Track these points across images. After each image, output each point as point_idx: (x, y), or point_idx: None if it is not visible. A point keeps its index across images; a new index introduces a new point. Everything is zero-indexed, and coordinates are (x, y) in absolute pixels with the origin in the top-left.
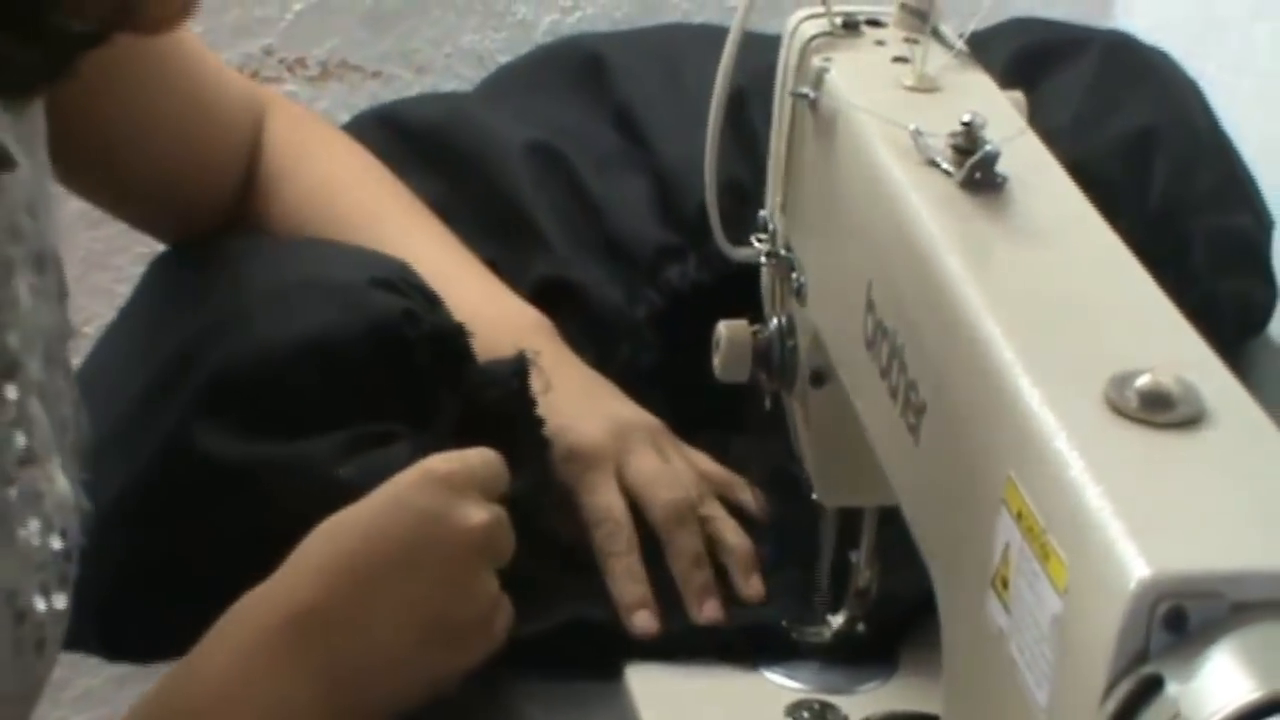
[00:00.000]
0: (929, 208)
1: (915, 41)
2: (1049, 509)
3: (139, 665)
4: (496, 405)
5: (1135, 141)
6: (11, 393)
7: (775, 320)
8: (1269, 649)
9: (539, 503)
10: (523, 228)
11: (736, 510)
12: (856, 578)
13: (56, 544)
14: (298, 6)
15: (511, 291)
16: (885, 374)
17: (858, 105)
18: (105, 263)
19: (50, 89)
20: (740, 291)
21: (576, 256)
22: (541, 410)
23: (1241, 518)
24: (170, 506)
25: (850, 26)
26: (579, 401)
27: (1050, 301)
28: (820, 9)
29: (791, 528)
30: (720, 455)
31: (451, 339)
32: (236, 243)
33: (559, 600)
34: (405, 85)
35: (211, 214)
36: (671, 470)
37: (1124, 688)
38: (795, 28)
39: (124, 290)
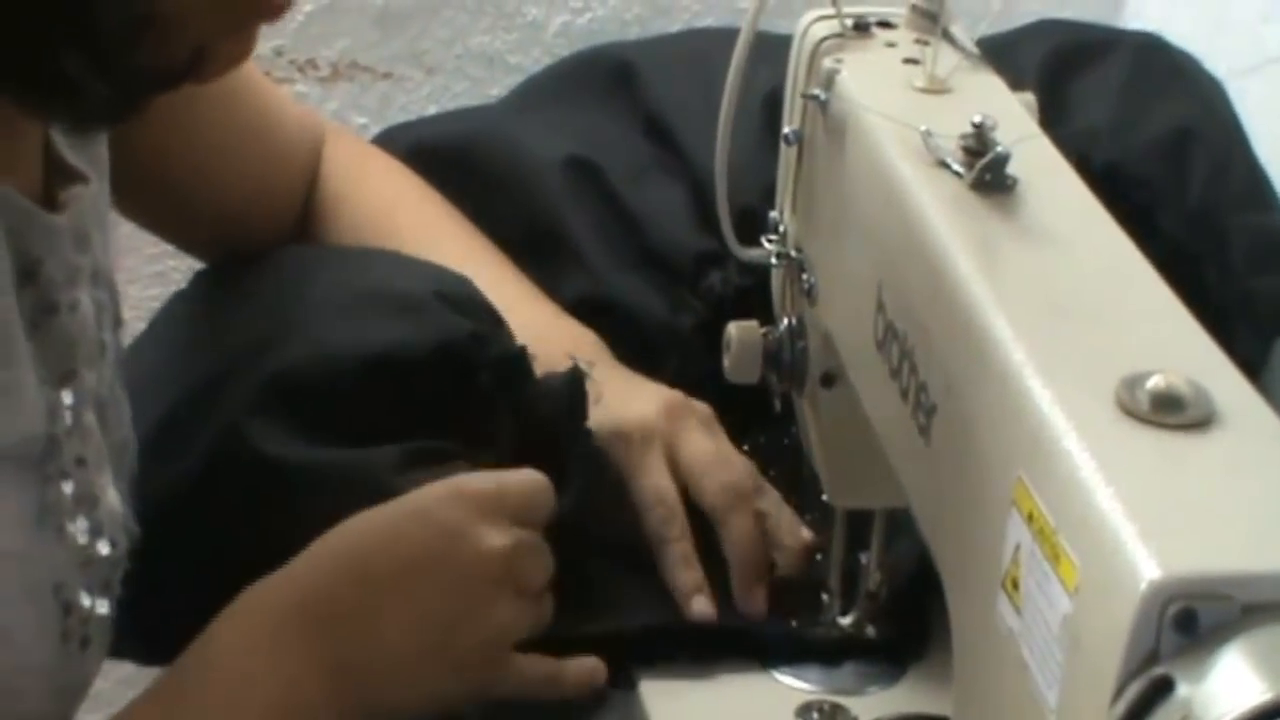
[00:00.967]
0: (939, 209)
1: (926, 43)
2: (1060, 510)
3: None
4: (550, 420)
5: (1173, 141)
6: (67, 398)
7: (785, 321)
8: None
9: (585, 520)
10: (556, 245)
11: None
12: (866, 579)
13: (105, 549)
14: (308, 7)
15: (564, 312)
16: (895, 375)
17: (868, 106)
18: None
19: (117, 124)
20: None
21: (615, 271)
22: (593, 417)
23: (1252, 519)
24: (217, 504)
25: (861, 28)
26: (628, 392)
27: (1061, 303)
28: (831, 10)
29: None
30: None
31: (514, 361)
32: (294, 251)
33: (608, 604)
34: (415, 86)
35: (273, 241)
36: (725, 453)
37: (1134, 689)
38: (806, 29)
39: (135, 291)
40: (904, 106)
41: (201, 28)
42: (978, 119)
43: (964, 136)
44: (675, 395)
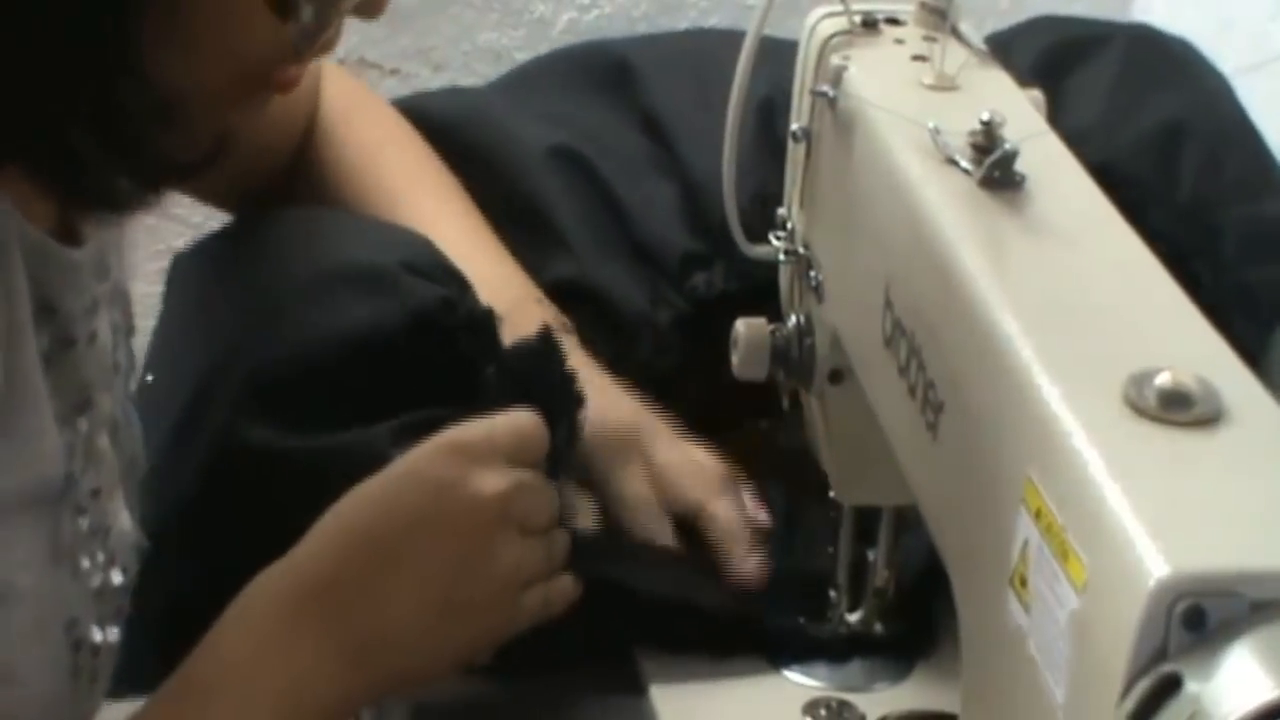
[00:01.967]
0: (948, 206)
1: (934, 40)
2: (1068, 508)
3: None
4: (529, 375)
5: (1162, 136)
6: (83, 427)
7: (793, 318)
8: None
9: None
10: (540, 228)
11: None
12: (874, 576)
13: (117, 578)
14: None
15: (532, 283)
16: (903, 372)
17: (876, 104)
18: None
19: (138, 211)
20: (764, 300)
21: (597, 259)
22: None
23: (1261, 516)
24: (220, 509)
25: (869, 25)
26: (594, 398)
27: (1069, 300)
28: (839, 7)
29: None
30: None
31: (484, 322)
32: (262, 225)
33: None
34: (423, 83)
35: (269, 179)
36: (693, 455)
37: (1142, 686)
38: (814, 26)
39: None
40: (912, 103)
41: (222, 115)
42: (986, 116)
43: (972, 133)
44: (636, 409)
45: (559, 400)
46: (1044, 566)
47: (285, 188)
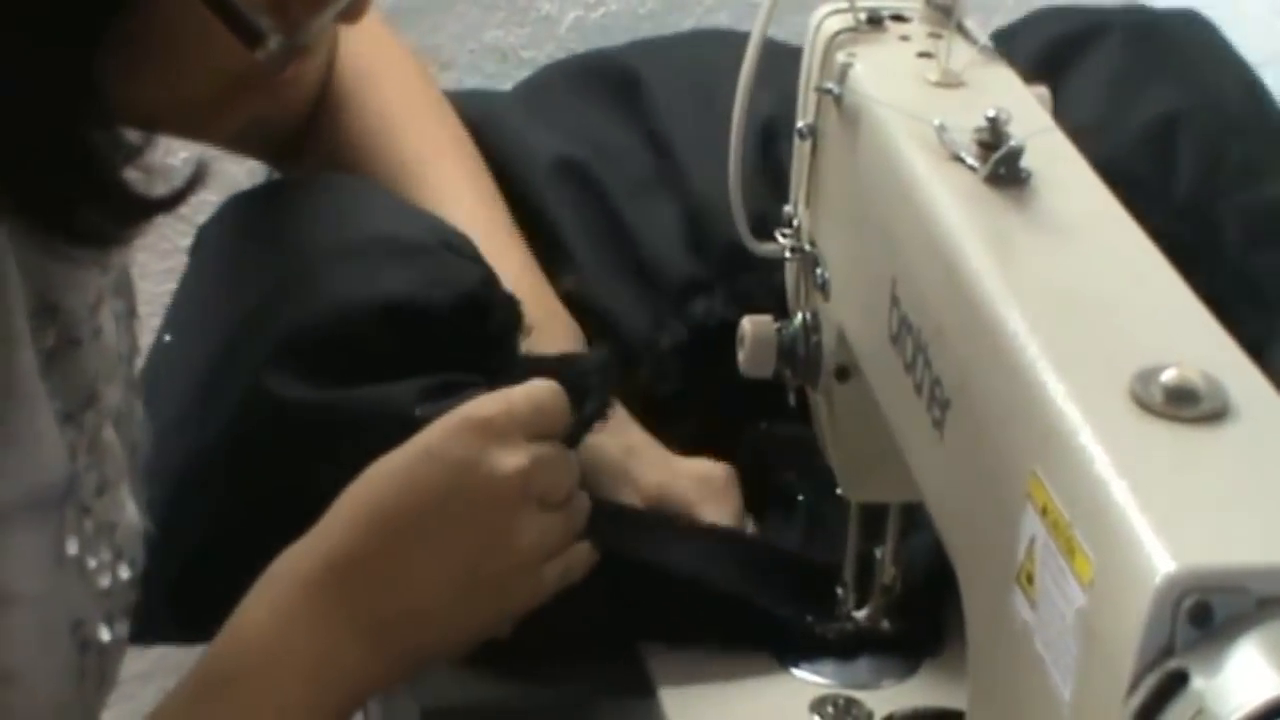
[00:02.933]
0: (953, 203)
1: (939, 36)
2: (1074, 504)
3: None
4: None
5: (1158, 130)
6: (88, 421)
7: (799, 315)
8: None
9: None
10: (546, 240)
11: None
12: (881, 573)
13: (125, 573)
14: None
15: (545, 279)
16: (910, 369)
17: (882, 100)
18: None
19: (119, 245)
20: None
21: (603, 278)
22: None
23: (1267, 512)
24: (248, 462)
25: (874, 22)
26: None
27: (1075, 296)
28: (844, 4)
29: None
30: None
31: (515, 309)
32: (295, 191)
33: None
34: None
35: (294, 131)
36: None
37: (1149, 683)
38: (820, 23)
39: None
40: (918, 100)
41: (218, 120)
42: (992, 112)
43: (978, 130)
44: (635, 434)
45: (594, 376)
46: (1050, 563)
47: (302, 145)
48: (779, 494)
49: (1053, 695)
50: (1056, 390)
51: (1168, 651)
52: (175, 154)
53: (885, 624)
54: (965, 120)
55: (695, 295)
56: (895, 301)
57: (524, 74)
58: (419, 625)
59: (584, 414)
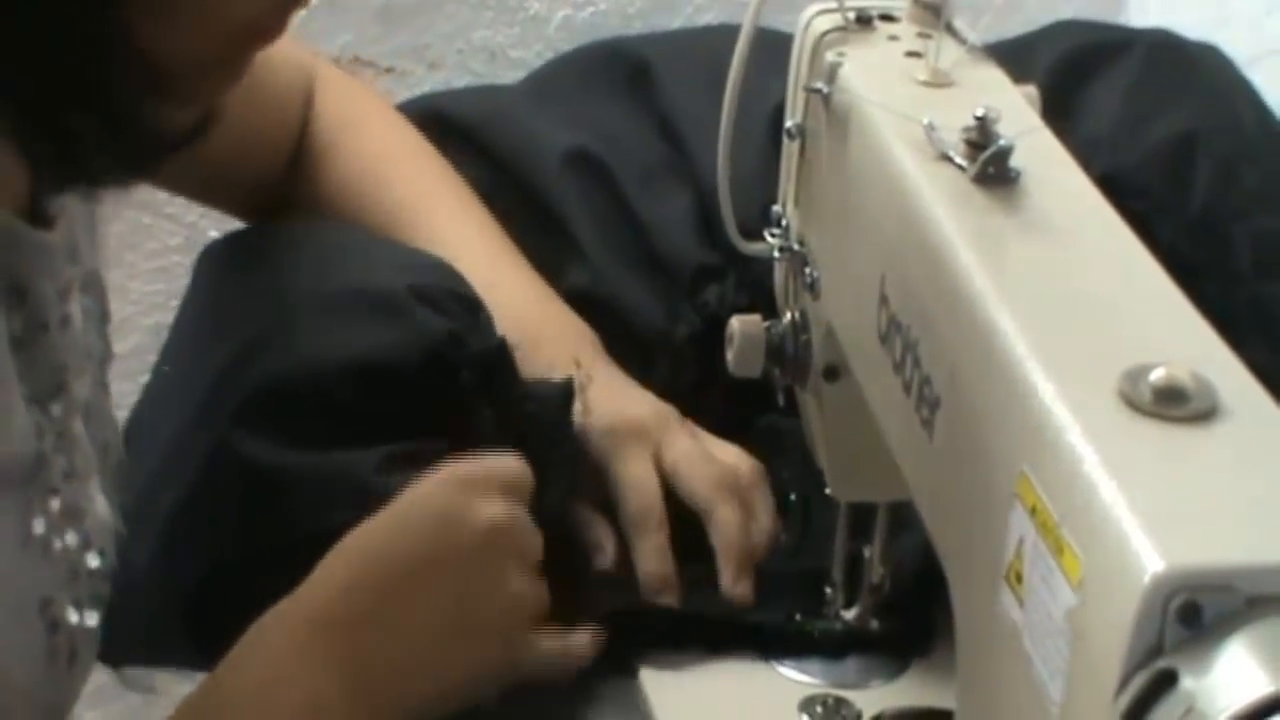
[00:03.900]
0: (942, 202)
1: (929, 36)
2: (1063, 503)
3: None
4: (533, 420)
5: (1175, 147)
6: (56, 410)
7: (788, 315)
8: None
9: (564, 517)
10: (559, 234)
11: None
12: (869, 573)
13: (94, 562)
14: (311, 2)
15: (552, 291)
16: (899, 368)
17: (871, 100)
18: (119, 259)
19: (126, 186)
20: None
21: (614, 271)
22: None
23: (1256, 511)
24: (212, 516)
25: (863, 21)
26: (620, 393)
27: (1064, 296)
28: (833, 4)
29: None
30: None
31: (494, 355)
32: (276, 240)
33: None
34: (418, 81)
35: (270, 185)
36: (710, 452)
37: (1138, 682)
38: (808, 22)
39: (136, 285)
40: (906, 100)
41: (208, 81)
42: (980, 112)
43: (967, 130)
44: (664, 405)
45: (557, 462)
46: (1039, 562)
47: (277, 200)
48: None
49: (1041, 694)
50: (1045, 390)
51: (1157, 651)
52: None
53: (874, 623)
54: (954, 119)
55: (708, 283)
56: (884, 301)
57: (513, 74)
58: (406, 676)
59: (546, 503)
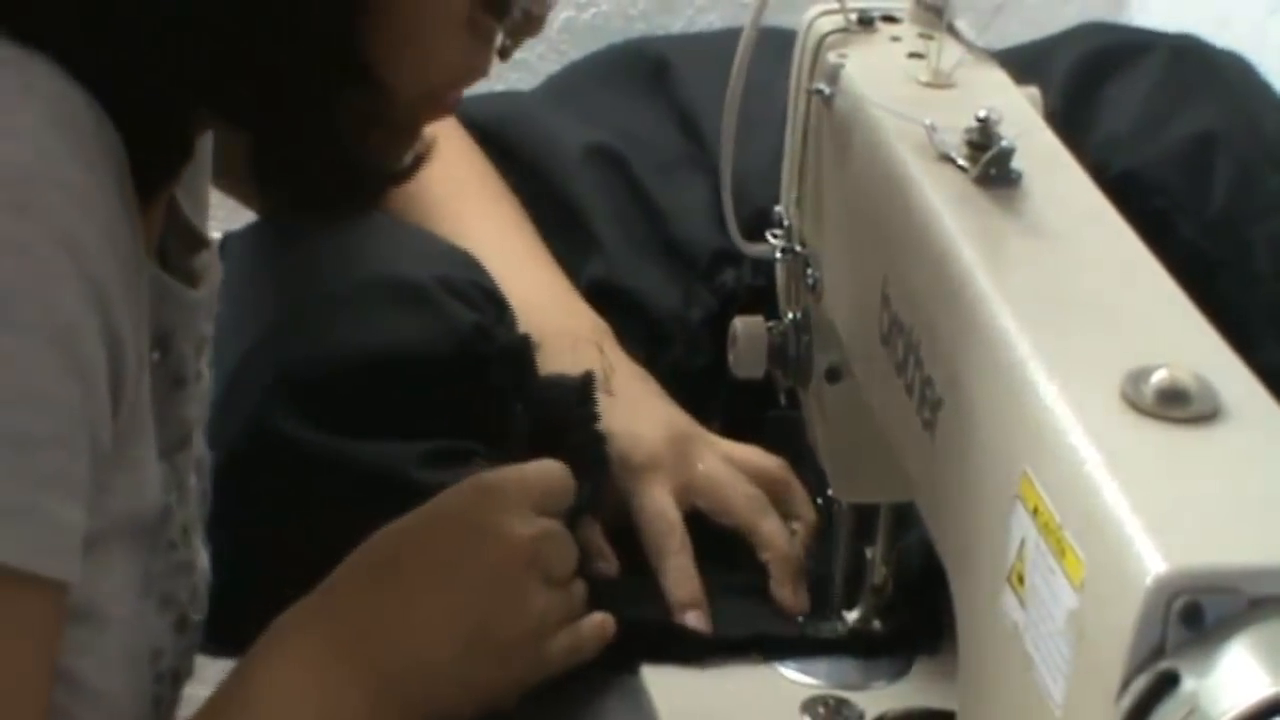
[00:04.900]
0: (944, 203)
1: (930, 37)
2: (1065, 505)
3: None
4: (559, 419)
5: (1195, 147)
6: (181, 463)
7: (791, 316)
8: None
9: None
10: (579, 229)
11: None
12: (872, 574)
13: (197, 615)
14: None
15: (573, 288)
16: (901, 370)
17: (873, 101)
18: None
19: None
20: None
21: (631, 260)
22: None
23: (1258, 513)
24: (244, 494)
25: (865, 22)
26: (636, 408)
27: (1066, 297)
28: (835, 5)
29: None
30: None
31: (519, 350)
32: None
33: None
34: None
35: None
36: (738, 467)
37: (1140, 683)
38: (810, 23)
39: None
40: (908, 101)
41: (424, 121)
42: (982, 113)
43: (968, 131)
44: (680, 421)
45: (589, 459)
46: (1041, 563)
47: None
48: None
49: (1043, 696)
50: (1047, 390)
51: (1159, 652)
52: None
53: (876, 624)
54: (956, 121)
55: (724, 266)
56: (886, 302)
57: (514, 74)
58: (425, 683)
59: (580, 499)
